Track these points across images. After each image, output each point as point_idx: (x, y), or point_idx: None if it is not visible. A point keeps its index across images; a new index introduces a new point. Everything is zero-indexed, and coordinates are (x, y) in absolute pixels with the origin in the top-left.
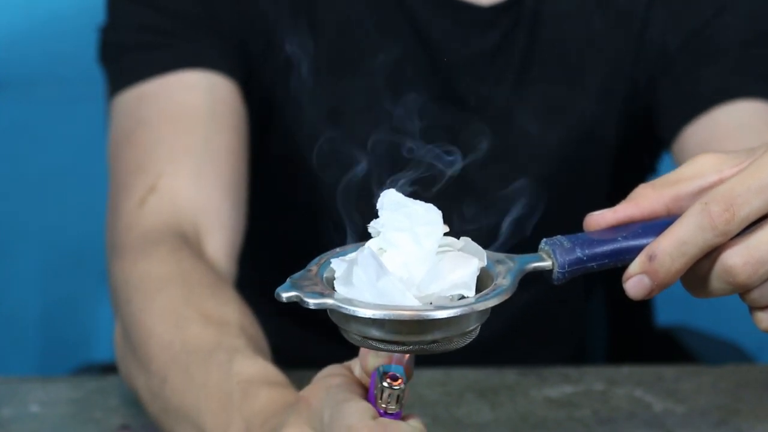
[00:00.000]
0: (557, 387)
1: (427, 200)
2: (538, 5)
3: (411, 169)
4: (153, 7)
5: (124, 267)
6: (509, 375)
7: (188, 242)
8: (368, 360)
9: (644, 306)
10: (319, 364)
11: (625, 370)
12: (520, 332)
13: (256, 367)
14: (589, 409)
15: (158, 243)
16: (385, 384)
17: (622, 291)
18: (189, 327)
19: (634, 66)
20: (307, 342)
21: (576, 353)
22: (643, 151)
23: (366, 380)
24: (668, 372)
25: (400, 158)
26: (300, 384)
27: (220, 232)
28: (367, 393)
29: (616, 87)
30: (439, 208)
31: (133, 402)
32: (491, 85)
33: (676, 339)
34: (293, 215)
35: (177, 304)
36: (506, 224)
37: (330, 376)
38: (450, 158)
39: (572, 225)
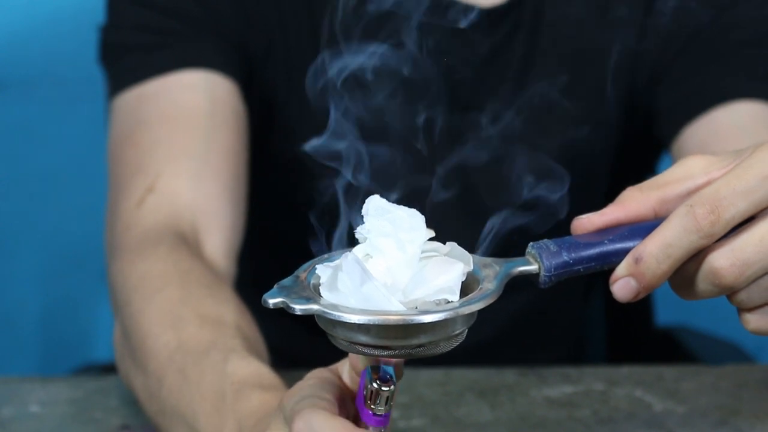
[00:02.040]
0: (557, 387)
1: (425, 203)
2: (538, 7)
3: (410, 171)
4: (153, 8)
5: (123, 267)
6: (509, 375)
7: (186, 242)
8: (359, 360)
9: (644, 306)
10: (318, 363)
11: (625, 370)
12: (519, 332)
13: (250, 369)
14: (589, 409)
15: (156, 243)
16: (374, 385)
17: None
18: (185, 328)
19: (634, 67)
20: (307, 342)
21: (575, 353)
22: (642, 152)
23: (354, 383)
24: (668, 372)
25: (399, 159)
26: None
27: (219, 232)
28: (349, 394)
29: (615, 88)
30: (438, 211)
31: (133, 402)
32: (492, 86)
33: (676, 339)
34: (293, 215)
35: (174, 305)
36: (504, 227)
37: (309, 378)
38: (450, 159)
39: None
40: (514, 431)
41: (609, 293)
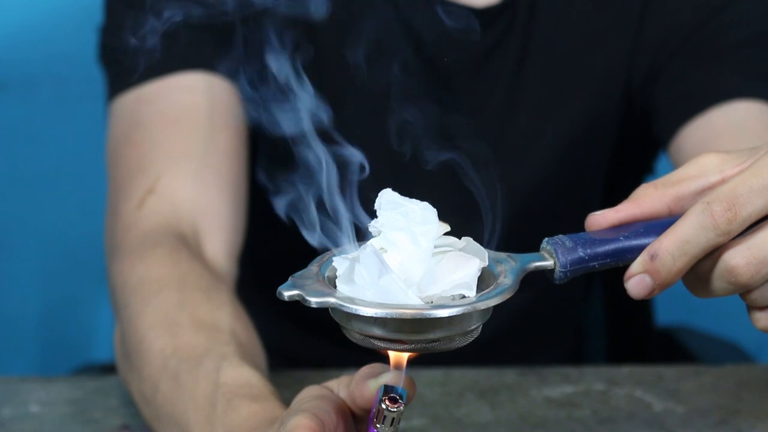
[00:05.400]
0: (557, 387)
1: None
2: (532, 7)
3: (409, 170)
4: (149, 9)
5: (123, 269)
6: (509, 375)
7: (187, 243)
8: (368, 385)
9: (644, 306)
10: (317, 364)
11: (625, 370)
12: (520, 332)
13: (242, 379)
14: (589, 409)
15: (156, 245)
16: (383, 406)
17: (622, 291)
18: (181, 333)
19: (631, 66)
20: (307, 343)
21: (575, 353)
22: (640, 152)
23: (349, 402)
24: (668, 372)
25: (397, 159)
26: (300, 384)
27: (220, 233)
28: (348, 410)
29: (612, 87)
30: (437, 208)
31: (133, 402)
32: (487, 87)
33: (676, 339)
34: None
35: (170, 309)
36: (503, 224)
37: (306, 397)
38: (447, 159)
39: (569, 224)
40: (514, 431)
41: (609, 293)
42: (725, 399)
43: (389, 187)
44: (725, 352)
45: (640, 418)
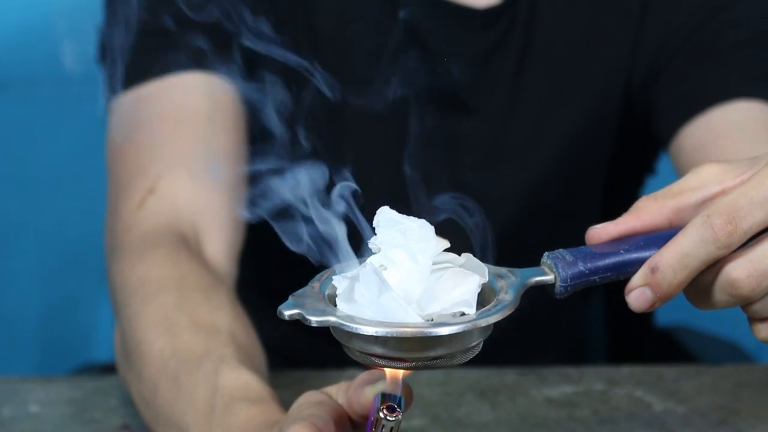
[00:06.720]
0: (557, 387)
1: (423, 203)
2: (533, 7)
3: (408, 171)
4: (150, 10)
5: (123, 269)
6: (509, 375)
7: (187, 243)
8: (366, 392)
9: None
10: (317, 364)
11: (625, 370)
12: (520, 334)
13: (240, 382)
14: (589, 409)
15: (156, 245)
16: (381, 415)
17: (621, 291)
18: (180, 334)
19: (631, 67)
20: (307, 343)
21: (575, 353)
22: (640, 152)
23: (347, 408)
24: (668, 372)
25: (397, 160)
26: (300, 384)
27: (220, 233)
28: (345, 416)
29: (612, 87)
30: (438, 211)
31: (133, 402)
32: (487, 88)
33: (676, 339)
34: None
35: (170, 310)
36: (503, 225)
37: (303, 403)
38: (447, 160)
39: (569, 225)
40: (514, 431)
41: (609, 294)
42: (725, 399)
43: (389, 186)
44: (725, 352)
45: (640, 418)
